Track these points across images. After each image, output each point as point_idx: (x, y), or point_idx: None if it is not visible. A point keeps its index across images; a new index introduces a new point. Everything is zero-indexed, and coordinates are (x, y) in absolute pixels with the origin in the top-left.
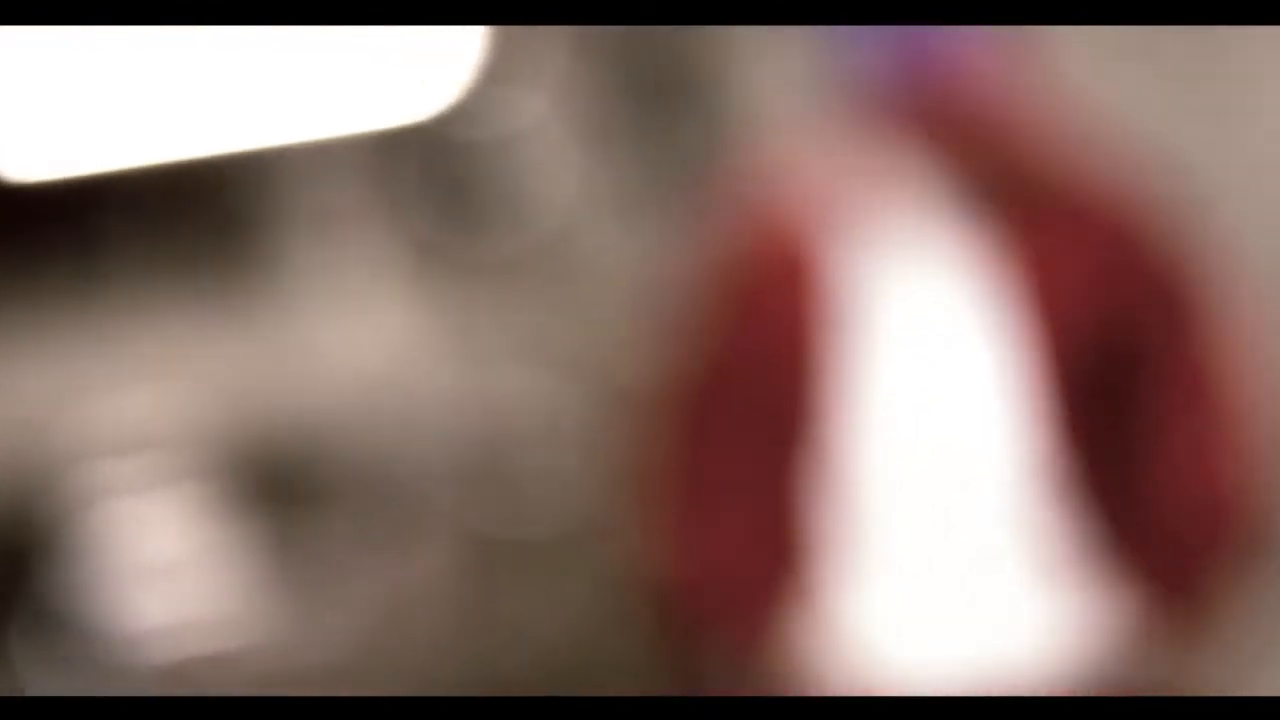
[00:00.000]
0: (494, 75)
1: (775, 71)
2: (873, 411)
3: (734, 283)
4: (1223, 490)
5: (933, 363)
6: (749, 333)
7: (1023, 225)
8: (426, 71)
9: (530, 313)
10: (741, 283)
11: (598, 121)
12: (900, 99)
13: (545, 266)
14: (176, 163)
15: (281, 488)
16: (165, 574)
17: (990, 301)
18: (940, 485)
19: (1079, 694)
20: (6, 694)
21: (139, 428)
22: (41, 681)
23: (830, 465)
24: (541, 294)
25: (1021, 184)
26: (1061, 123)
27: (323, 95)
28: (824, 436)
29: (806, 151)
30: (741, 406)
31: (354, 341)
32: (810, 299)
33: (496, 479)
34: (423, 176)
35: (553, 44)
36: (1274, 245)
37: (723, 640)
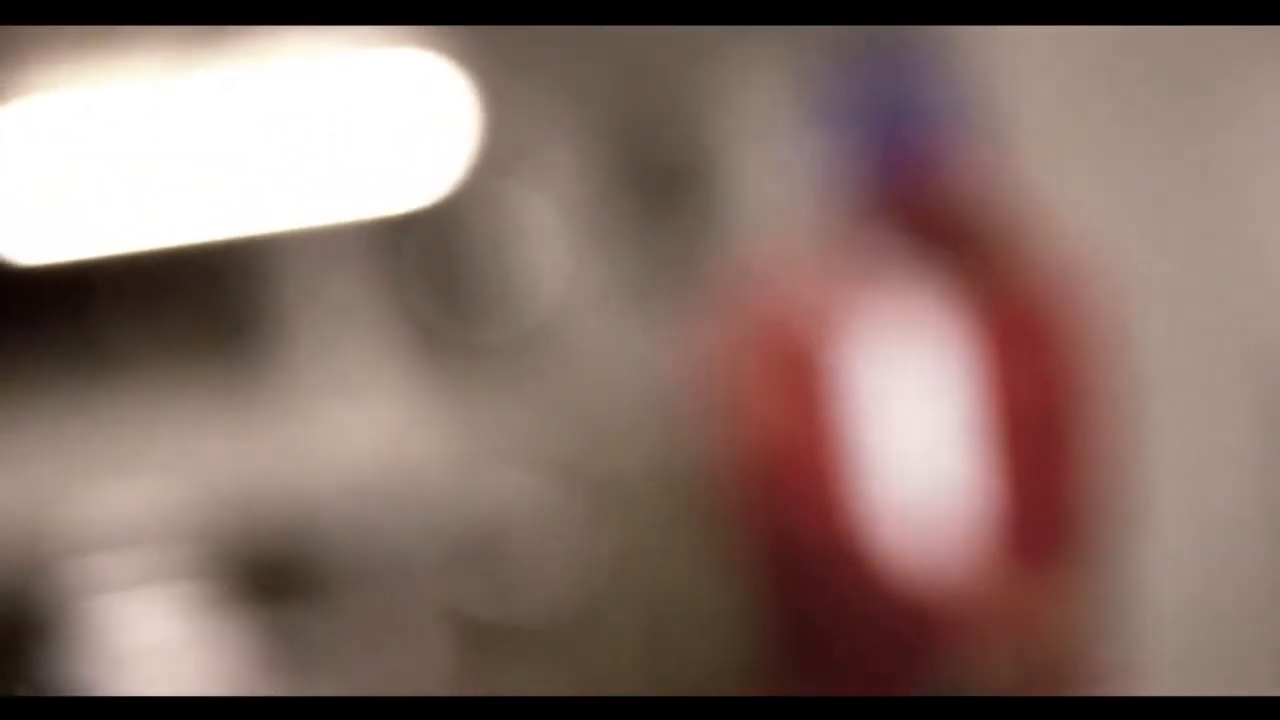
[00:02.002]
0: (491, 164)
1: (767, 165)
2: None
3: (738, 376)
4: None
5: (909, 427)
6: (757, 424)
7: (984, 306)
8: (424, 160)
9: (524, 403)
10: (745, 375)
11: (594, 212)
12: (879, 192)
13: (540, 356)
14: (176, 249)
15: (276, 578)
16: (160, 665)
17: (956, 373)
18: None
19: None
20: None
21: (135, 519)
22: None
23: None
24: (535, 384)
25: (984, 269)
26: (1020, 215)
27: (323, 183)
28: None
29: (797, 244)
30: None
31: (351, 431)
32: (813, 385)
33: (488, 567)
34: (421, 265)
35: (550, 134)
36: (1196, 344)
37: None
